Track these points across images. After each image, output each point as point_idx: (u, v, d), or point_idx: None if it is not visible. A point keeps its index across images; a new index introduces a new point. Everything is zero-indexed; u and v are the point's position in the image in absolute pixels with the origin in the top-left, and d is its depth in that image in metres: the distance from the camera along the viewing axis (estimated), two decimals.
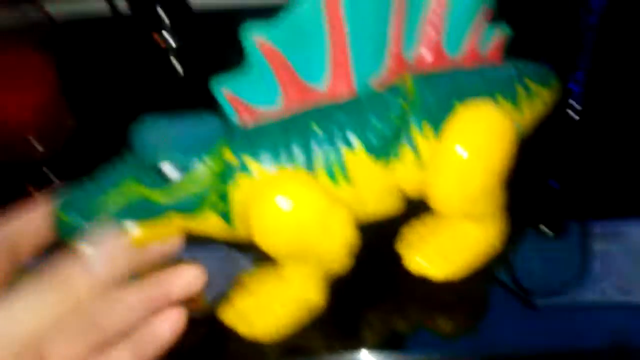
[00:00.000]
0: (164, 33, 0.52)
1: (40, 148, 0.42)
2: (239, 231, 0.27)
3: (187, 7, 0.53)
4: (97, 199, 0.25)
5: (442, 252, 0.31)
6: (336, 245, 0.27)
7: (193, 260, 0.31)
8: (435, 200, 0.29)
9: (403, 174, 0.28)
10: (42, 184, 0.42)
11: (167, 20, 0.52)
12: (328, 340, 0.30)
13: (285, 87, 0.26)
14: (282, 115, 0.27)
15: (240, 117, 0.27)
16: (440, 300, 0.31)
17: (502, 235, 0.32)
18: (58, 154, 0.43)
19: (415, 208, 0.31)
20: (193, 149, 0.26)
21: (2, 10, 0.41)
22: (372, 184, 0.28)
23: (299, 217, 0.26)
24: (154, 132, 0.26)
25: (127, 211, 0.25)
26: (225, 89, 0.26)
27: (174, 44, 0.52)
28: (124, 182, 0.25)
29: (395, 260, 0.32)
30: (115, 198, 0.25)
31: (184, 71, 0.51)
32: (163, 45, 0.53)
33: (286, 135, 0.26)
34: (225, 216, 0.27)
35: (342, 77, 0.27)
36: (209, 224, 0.27)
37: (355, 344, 0.29)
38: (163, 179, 0.25)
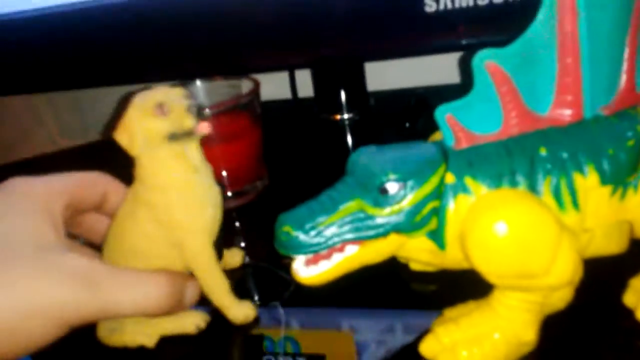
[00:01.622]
0: (342, 112, 0.57)
1: (235, 199, 0.46)
2: (449, 255, 0.27)
3: (364, 89, 0.58)
4: (321, 217, 0.26)
5: None
6: (562, 274, 0.25)
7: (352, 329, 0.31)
8: None
9: (637, 207, 0.26)
10: (229, 233, 0.44)
11: (344, 100, 0.57)
12: None
13: (508, 112, 0.26)
14: (498, 139, 0.27)
15: (459, 141, 0.27)
16: None
17: None
18: (249, 207, 0.46)
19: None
20: (414, 170, 0.26)
21: (222, 80, 0.47)
22: (602, 214, 0.26)
23: (527, 239, 0.24)
24: (376, 156, 0.27)
25: (349, 229, 0.26)
26: (448, 115, 0.26)
27: (348, 121, 0.56)
28: (347, 201, 0.26)
29: (619, 310, 0.29)
30: (339, 216, 0.26)
31: (354, 144, 0.54)
32: (339, 120, 0.57)
33: (510, 157, 0.26)
34: (439, 238, 0.26)
35: (568, 104, 0.26)
36: (421, 246, 0.27)
37: None
38: (386, 197, 0.26)
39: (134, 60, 0.50)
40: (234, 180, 0.45)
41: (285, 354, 0.31)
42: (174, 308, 0.31)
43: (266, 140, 0.48)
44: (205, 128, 0.32)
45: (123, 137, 0.31)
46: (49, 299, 0.26)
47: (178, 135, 0.31)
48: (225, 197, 0.45)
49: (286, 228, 0.26)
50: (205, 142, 0.43)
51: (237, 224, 0.45)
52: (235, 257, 0.39)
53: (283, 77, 0.65)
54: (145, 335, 0.33)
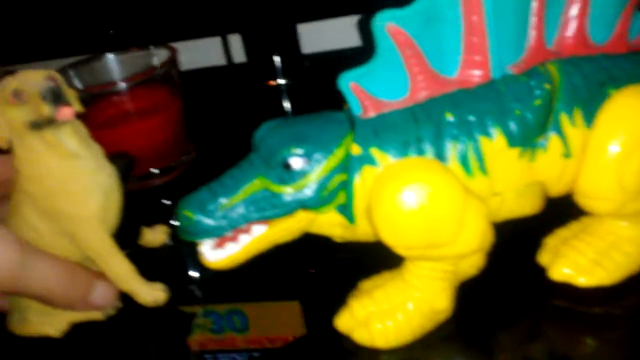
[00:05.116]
0: (277, 77, 0.55)
1: (160, 176, 0.44)
2: (360, 228, 0.26)
3: (298, 52, 0.56)
4: (224, 198, 0.25)
5: (592, 256, 0.27)
6: (470, 242, 0.25)
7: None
8: (586, 196, 0.26)
9: (547, 167, 0.25)
10: (157, 211, 0.43)
11: (279, 65, 0.55)
12: (450, 355, 0.27)
13: (414, 77, 0.25)
14: (407, 105, 0.25)
15: (365, 110, 0.26)
16: (586, 319, 0.27)
17: None
18: (175, 183, 0.44)
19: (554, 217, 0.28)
20: (319, 143, 0.25)
21: (137, 51, 0.44)
22: (511, 177, 0.25)
23: (432, 209, 0.23)
24: (279, 131, 0.26)
25: (254, 208, 0.25)
26: (352, 82, 0.25)
27: (284, 85, 0.55)
28: (250, 180, 0.25)
29: (534, 270, 0.29)
30: (242, 196, 0.25)
31: (292, 108, 0.52)
32: (274, 85, 0.55)
33: (415, 124, 0.25)
34: (348, 212, 0.25)
35: (476, 65, 0.25)
36: (331, 221, 0.26)
37: None
38: (290, 174, 0.25)
39: (46, 35, 0.47)
40: (158, 157, 0.43)
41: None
42: (78, 303, 0.30)
43: (198, 110, 0.46)
44: (66, 114, 0.29)
45: None
46: None
47: (40, 124, 0.29)
48: (150, 175, 0.44)
49: (186, 212, 0.25)
50: (123, 119, 0.41)
51: (165, 201, 0.43)
52: (157, 235, 0.38)
53: (217, 43, 0.63)
54: (51, 325, 0.32)
